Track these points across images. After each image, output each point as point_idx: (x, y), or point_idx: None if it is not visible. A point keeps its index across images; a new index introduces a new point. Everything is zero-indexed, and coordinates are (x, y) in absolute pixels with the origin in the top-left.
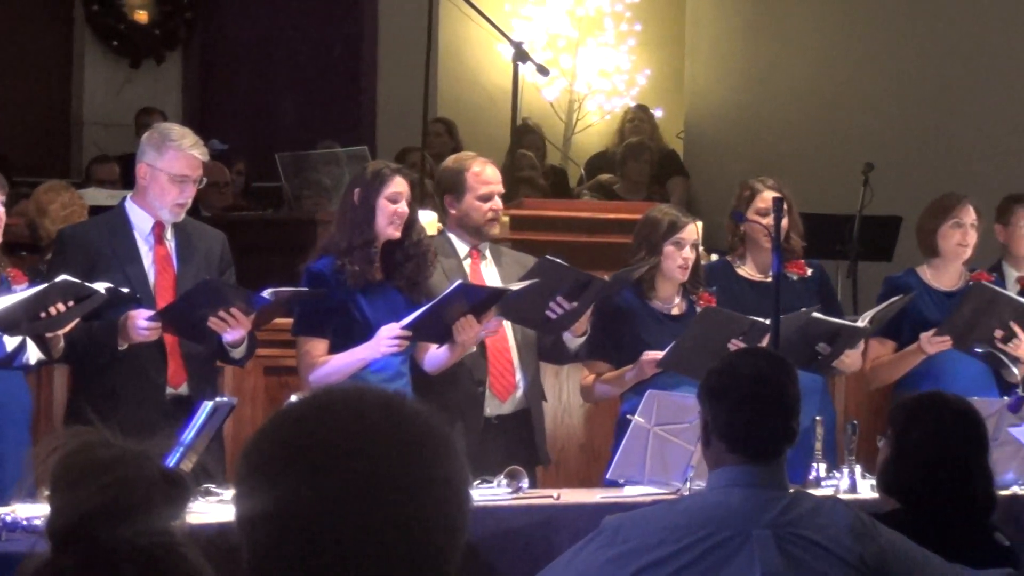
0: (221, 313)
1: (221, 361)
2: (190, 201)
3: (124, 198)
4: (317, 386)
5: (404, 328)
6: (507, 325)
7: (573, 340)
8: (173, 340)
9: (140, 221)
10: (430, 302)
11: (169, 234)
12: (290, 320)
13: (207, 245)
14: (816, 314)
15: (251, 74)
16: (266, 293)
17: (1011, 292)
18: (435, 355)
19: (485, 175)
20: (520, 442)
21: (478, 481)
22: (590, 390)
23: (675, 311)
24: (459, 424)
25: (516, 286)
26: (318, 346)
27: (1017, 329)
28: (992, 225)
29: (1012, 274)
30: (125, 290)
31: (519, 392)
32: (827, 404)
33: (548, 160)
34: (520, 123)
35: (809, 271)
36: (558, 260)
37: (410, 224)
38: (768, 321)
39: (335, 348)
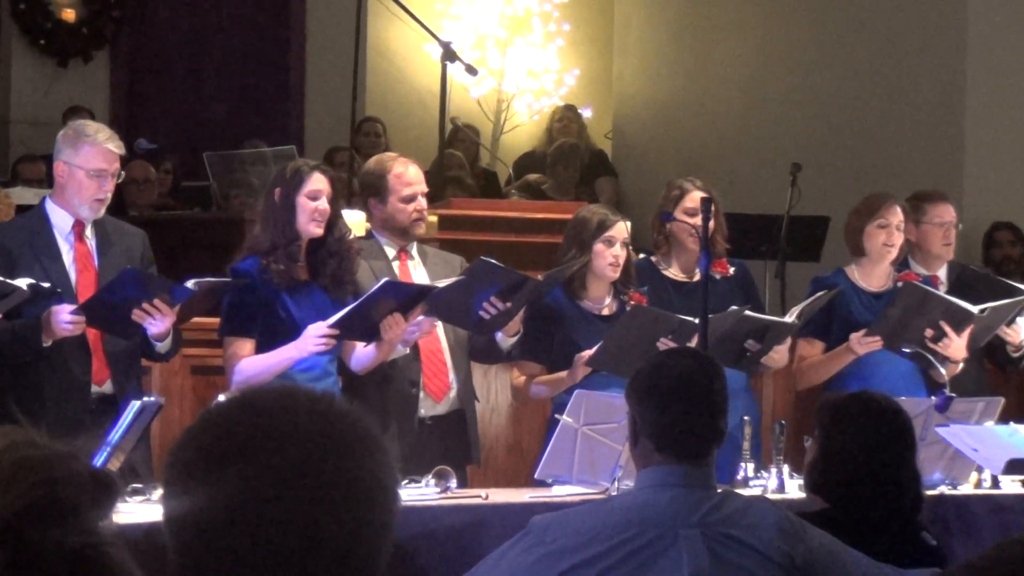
0: (144, 305)
1: (146, 357)
2: (109, 197)
3: (44, 198)
4: (244, 386)
5: (331, 327)
6: (439, 327)
7: (506, 340)
8: (96, 336)
9: (60, 220)
10: (357, 300)
11: (89, 232)
12: (217, 320)
13: (128, 242)
14: (748, 313)
15: (179, 73)
16: (189, 284)
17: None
18: (362, 354)
19: (407, 176)
20: (453, 442)
21: (406, 481)
22: (522, 391)
23: (606, 311)
24: (393, 425)
25: (442, 283)
26: (244, 346)
27: (947, 328)
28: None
29: (921, 272)
30: (46, 285)
31: (453, 392)
32: (751, 403)
33: (480, 160)
34: (451, 123)
35: (732, 270)
36: (493, 261)
37: (332, 221)
38: (697, 320)
39: (262, 348)
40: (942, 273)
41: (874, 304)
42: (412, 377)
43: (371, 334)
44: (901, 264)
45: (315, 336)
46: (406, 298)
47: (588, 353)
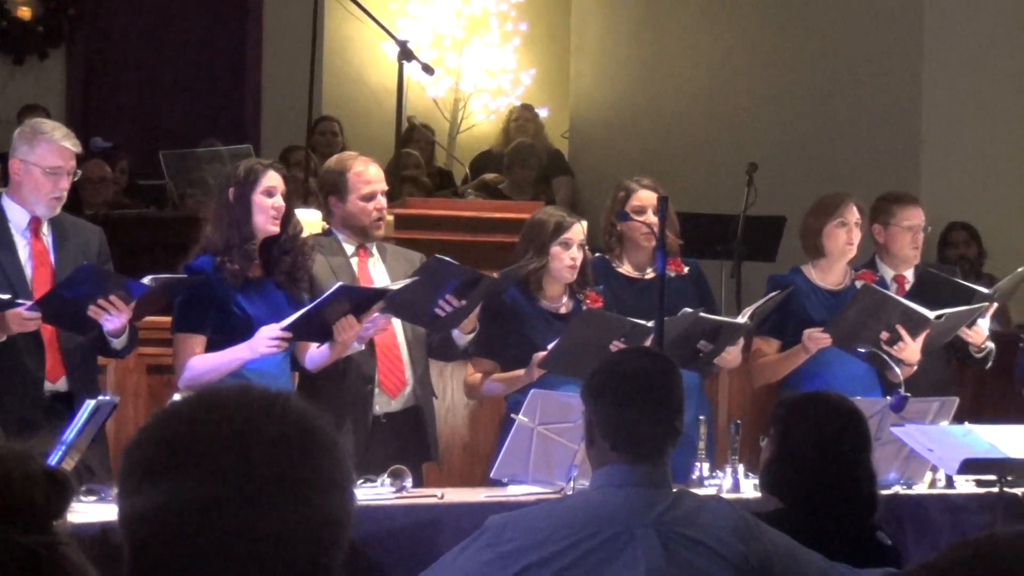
0: (100, 301)
1: (102, 354)
2: (65, 194)
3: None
4: (195, 384)
5: (284, 329)
6: (396, 322)
7: (462, 337)
8: (50, 334)
9: (16, 217)
10: (310, 303)
11: (45, 229)
12: (171, 318)
13: (84, 240)
14: (703, 314)
15: (136, 71)
16: (145, 280)
17: (890, 291)
18: (316, 353)
19: (367, 175)
20: (409, 440)
21: (362, 480)
22: (476, 388)
23: (562, 310)
24: (347, 422)
25: (396, 285)
26: (196, 343)
27: (902, 332)
28: (867, 224)
29: (889, 272)
30: (5, 296)
31: (408, 389)
32: (703, 403)
33: (436, 159)
34: (407, 122)
35: (686, 269)
36: (447, 258)
37: (286, 219)
38: (650, 323)
39: (215, 345)
40: (910, 274)
41: (831, 302)
42: (367, 373)
43: (325, 335)
44: (869, 264)
45: (267, 338)
46: (360, 301)
47: (543, 354)
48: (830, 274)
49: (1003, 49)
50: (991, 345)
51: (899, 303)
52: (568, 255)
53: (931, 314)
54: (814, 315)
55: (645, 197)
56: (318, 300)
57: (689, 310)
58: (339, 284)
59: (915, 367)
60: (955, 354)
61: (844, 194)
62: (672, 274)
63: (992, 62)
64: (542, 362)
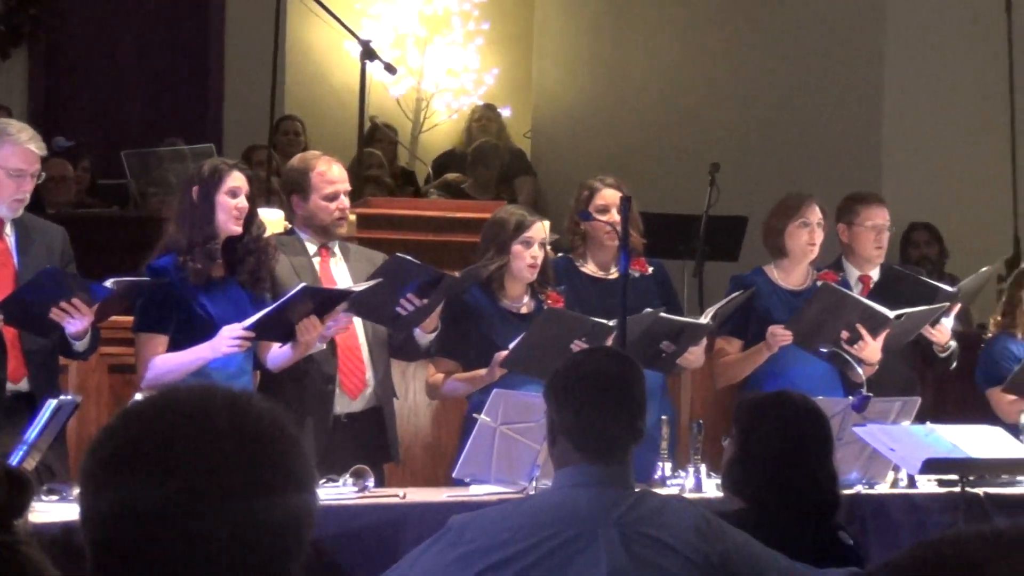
0: (63, 304)
1: (64, 355)
2: (28, 196)
3: None
4: (157, 383)
5: (247, 329)
6: (358, 322)
7: (424, 336)
8: (13, 334)
9: None
10: (274, 303)
11: (8, 229)
12: (133, 318)
13: (47, 240)
14: (663, 314)
15: (98, 70)
16: (108, 283)
17: (854, 291)
18: (278, 353)
19: (331, 174)
20: (370, 440)
21: (324, 480)
22: (438, 388)
23: (524, 310)
24: (308, 422)
25: (360, 287)
26: (158, 343)
27: (863, 331)
28: (832, 224)
29: (854, 272)
30: None
31: (369, 389)
32: (666, 403)
33: (399, 159)
34: (370, 122)
35: (650, 269)
36: (408, 257)
37: (250, 219)
38: (611, 323)
39: (178, 345)
40: (875, 274)
41: (793, 302)
42: (328, 373)
43: (287, 335)
44: (835, 264)
45: (229, 337)
46: (323, 301)
47: (505, 353)
48: (792, 274)
49: (963, 51)
50: (955, 344)
51: (859, 302)
52: (529, 254)
53: (891, 313)
54: (776, 315)
55: (609, 196)
56: (281, 300)
57: (650, 310)
58: (302, 284)
59: (876, 367)
60: (920, 355)
61: (806, 195)
62: (636, 274)
63: (953, 63)
64: (503, 361)
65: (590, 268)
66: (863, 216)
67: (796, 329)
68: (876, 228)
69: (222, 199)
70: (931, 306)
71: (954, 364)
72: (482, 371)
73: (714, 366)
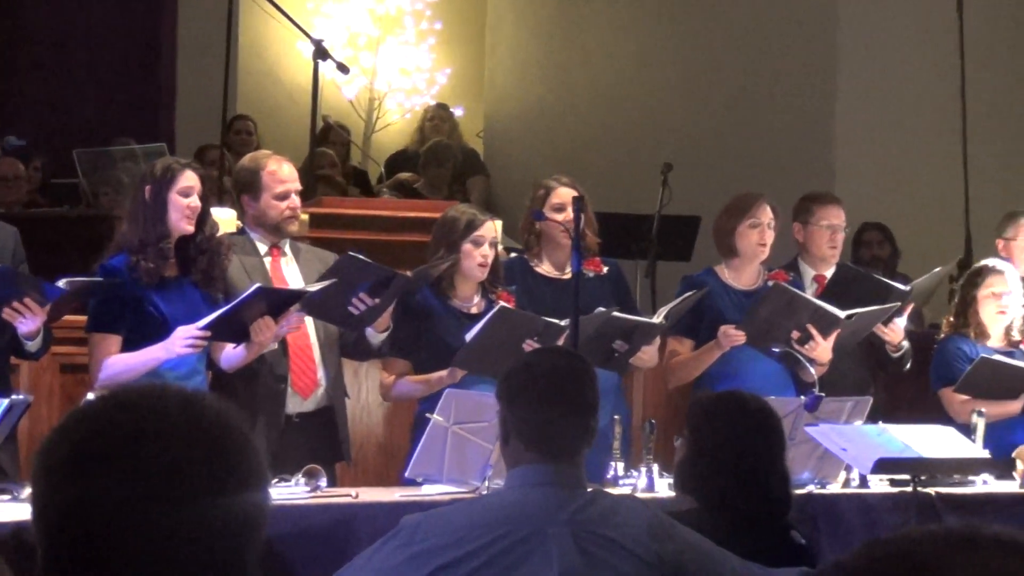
0: (15, 303)
1: (16, 355)
2: None
3: None
4: (111, 383)
5: (202, 329)
6: (309, 322)
7: (376, 336)
8: None
9: None
10: (228, 303)
11: None
12: (86, 318)
13: (0, 240)
14: (615, 314)
15: (49, 70)
16: (60, 283)
17: (809, 290)
18: (232, 353)
19: (281, 174)
20: (322, 440)
21: (276, 479)
22: (390, 389)
23: (474, 310)
24: (260, 422)
25: (315, 287)
26: (111, 343)
27: (813, 331)
28: (787, 224)
29: (809, 272)
30: None
31: (321, 389)
32: (621, 403)
33: (351, 159)
34: (322, 121)
35: (605, 269)
36: (360, 256)
37: (202, 218)
38: (563, 322)
39: (131, 344)
40: (831, 274)
41: (744, 302)
42: (280, 373)
43: (241, 335)
44: (790, 263)
45: (184, 338)
46: (277, 302)
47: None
48: (743, 274)
49: (915, 51)
50: (908, 345)
51: (809, 302)
52: (479, 253)
53: (841, 313)
54: (727, 315)
55: (565, 195)
56: (236, 301)
57: (602, 309)
58: (257, 285)
59: (827, 367)
60: (873, 356)
61: (757, 194)
62: (591, 274)
63: (905, 63)
64: (454, 361)
65: (545, 268)
66: (818, 216)
67: (748, 329)
68: (831, 228)
69: (174, 198)
70: (882, 306)
71: (908, 365)
72: (440, 373)
73: (666, 366)
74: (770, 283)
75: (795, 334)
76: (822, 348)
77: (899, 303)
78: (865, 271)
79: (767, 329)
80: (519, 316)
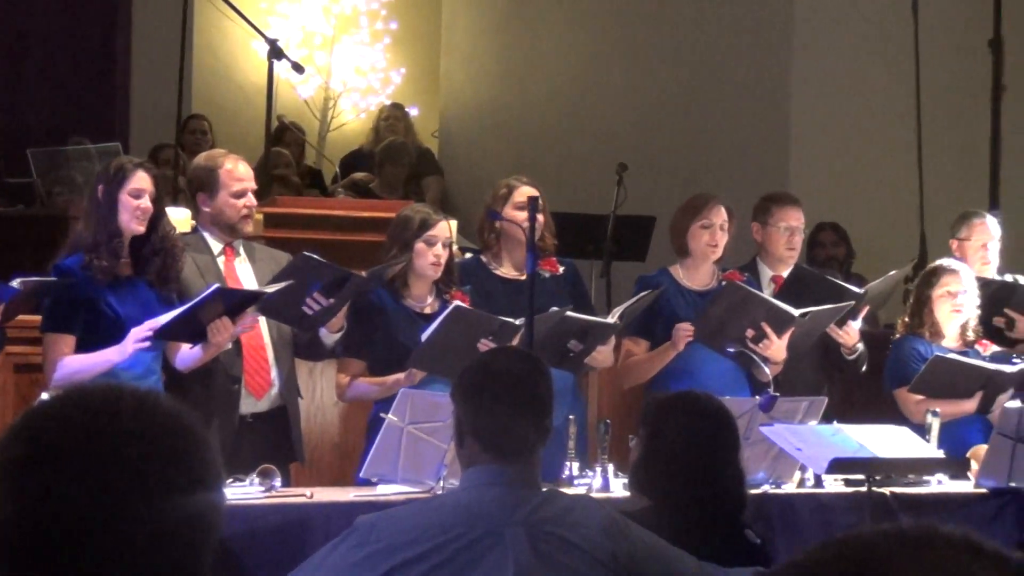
0: None
1: None
2: None
3: None
4: (65, 384)
5: (158, 330)
6: (262, 322)
7: (329, 336)
8: None
9: None
10: (185, 304)
11: None
12: (40, 318)
13: None
14: (569, 313)
15: (3, 68)
16: (14, 283)
17: (766, 291)
18: (187, 354)
19: (237, 172)
20: (276, 440)
21: (231, 480)
22: (345, 390)
23: (428, 310)
24: (214, 422)
25: (272, 288)
26: (66, 343)
27: (768, 330)
28: (747, 224)
29: (767, 273)
30: None
31: (275, 390)
32: (577, 403)
33: (306, 158)
34: (277, 121)
35: (561, 269)
36: (315, 256)
37: (156, 219)
38: (518, 322)
39: (85, 344)
40: (788, 275)
41: (699, 303)
42: (234, 373)
43: (197, 335)
44: (749, 264)
45: (135, 341)
46: (235, 303)
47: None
48: (697, 274)
49: (870, 51)
50: (863, 347)
51: (764, 300)
52: (432, 252)
53: (796, 312)
54: (681, 316)
55: (527, 194)
56: (194, 301)
57: (556, 308)
58: (216, 286)
59: (781, 366)
60: (828, 361)
61: (710, 195)
62: (547, 274)
63: (860, 64)
64: (409, 361)
65: (504, 268)
66: (776, 216)
67: (702, 327)
68: (789, 229)
69: (124, 198)
70: (836, 305)
71: (864, 368)
72: (397, 376)
73: (620, 367)
74: (724, 283)
75: (749, 332)
76: (776, 346)
77: (854, 302)
78: (820, 273)
79: (721, 328)
80: (474, 316)
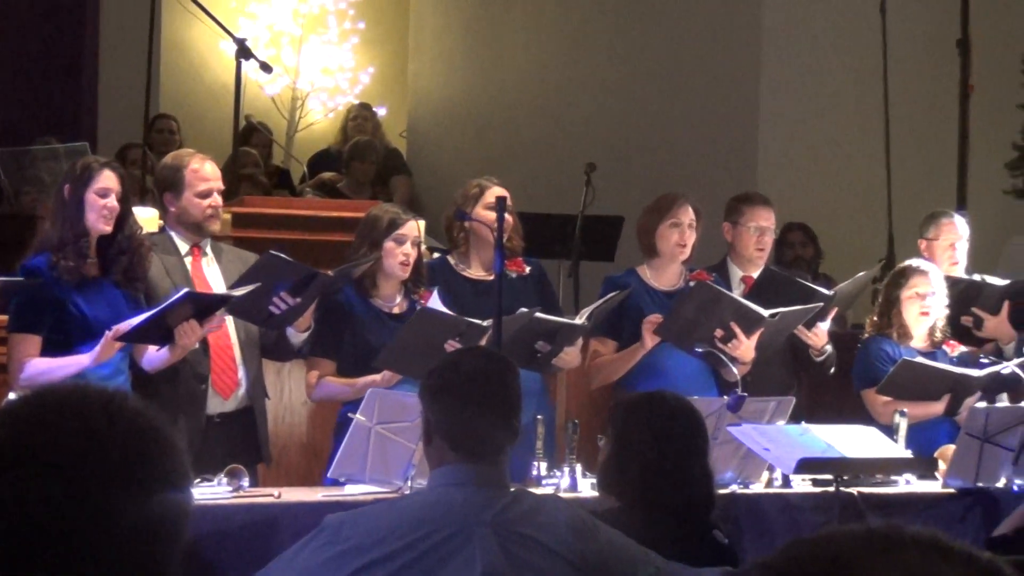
0: None
1: None
2: None
3: None
4: (32, 384)
5: (124, 336)
6: (230, 322)
7: (297, 336)
8: None
9: None
10: (153, 307)
11: None
12: (6, 317)
13: None
14: (537, 314)
15: None
16: None
17: (736, 291)
18: (154, 356)
19: (204, 172)
20: (243, 440)
21: (198, 480)
22: (314, 389)
23: (396, 310)
24: (181, 422)
25: (240, 291)
26: (32, 344)
27: (736, 329)
28: (715, 224)
29: (737, 273)
30: None
31: (242, 390)
32: (545, 403)
33: (274, 158)
34: (245, 121)
35: (528, 269)
36: (282, 255)
37: (123, 218)
38: (485, 323)
39: (52, 344)
40: (758, 275)
41: (666, 303)
42: (201, 373)
43: (166, 338)
44: (719, 264)
45: (104, 347)
46: (203, 306)
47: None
48: (664, 275)
49: (839, 52)
50: (831, 349)
51: (733, 300)
52: (401, 252)
53: (765, 312)
54: (649, 316)
55: (499, 194)
56: (163, 305)
57: (525, 309)
58: (185, 290)
59: (749, 366)
60: (797, 362)
61: (678, 195)
62: (513, 274)
63: (828, 65)
64: (375, 361)
65: (471, 268)
66: (747, 217)
67: (670, 327)
68: (759, 229)
69: (91, 198)
70: (805, 306)
71: (832, 370)
72: (372, 377)
73: (589, 367)
74: (692, 283)
75: (718, 332)
76: (745, 346)
77: (823, 303)
78: (789, 275)
79: (691, 327)
80: (441, 317)
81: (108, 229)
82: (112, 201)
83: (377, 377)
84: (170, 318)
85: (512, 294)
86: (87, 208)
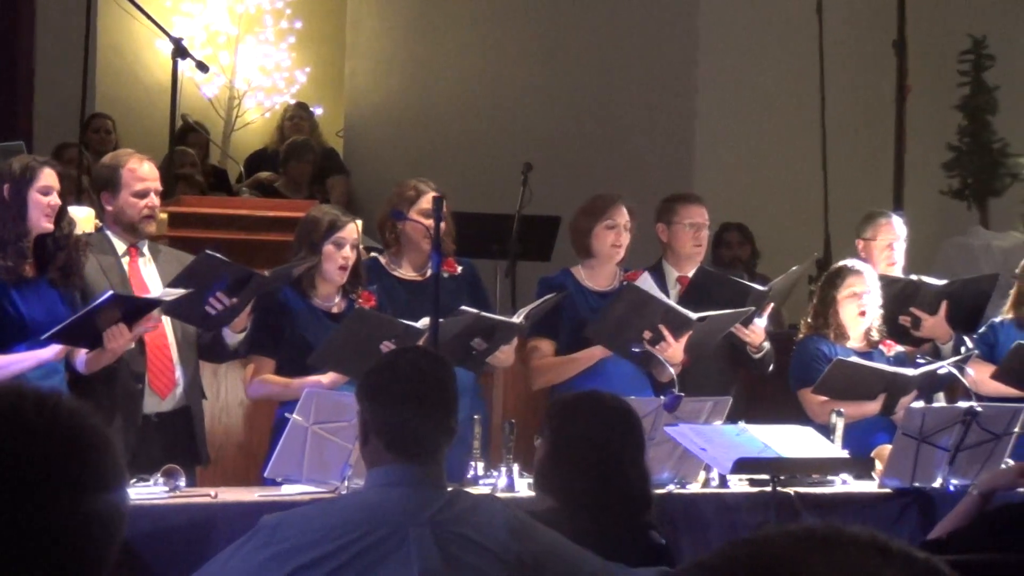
0: None
1: None
2: None
3: None
4: None
5: (51, 335)
6: (166, 321)
7: (232, 336)
8: None
9: None
10: (81, 309)
11: None
12: None
13: None
14: (482, 313)
15: None
16: None
17: (672, 292)
18: (87, 357)
19: (141, 172)
20: (180, 440)
21: (135, 479)
22: (251, 386)
23: (335, 309)
24: (117, 421)
25: (170, 296)
26: None
27: (665, 331)
28: (649, 225)
29: (673, 274)
30: None
31: (179, 389)
32: (478, 402)
33: (211, 158)
34: (181, 120)
35: (460, 269)
36: (218, 255)
37: (59, 215)
38: (421, 325)
39: None
40: (692, 275)
41: (599, 303)
42: (137, 372)
43: (95, 341)
44: (655, 265)
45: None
46: (132, 309)
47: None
48: (599, 275)
49: (775, 52)
50: (769, 346)
51: (661, 303)
52: (340, 255)
53: (693, 315)
54: (585, 316)
55: (436, 195)
56: (88, 307)
57: (468, 309)
58: (110, 292)
59: (680, 367)
60: (734, 359)
61: (614, 195)
62: (446, 274)
63: (765, 64)
64: (310, 359)
65: (402, 269)
66: (681, 214)
67: (600, 329)
68: (695, 226)
69: (35, 197)
70: (735, 310)
71: (771, 367)
72: (318, 377)
73: (532, 367)
74: (624, 284)
75: (647, 334)
76: (673, 349)
77: (753, 308)
78: (723, 273)
79: (619, 329)
80: (377, 318)
81: (51, 227)
82: (55, 199)
83: (323, 379)
84: (99, 321)
85: (444, 294)
86: (31, 207)
